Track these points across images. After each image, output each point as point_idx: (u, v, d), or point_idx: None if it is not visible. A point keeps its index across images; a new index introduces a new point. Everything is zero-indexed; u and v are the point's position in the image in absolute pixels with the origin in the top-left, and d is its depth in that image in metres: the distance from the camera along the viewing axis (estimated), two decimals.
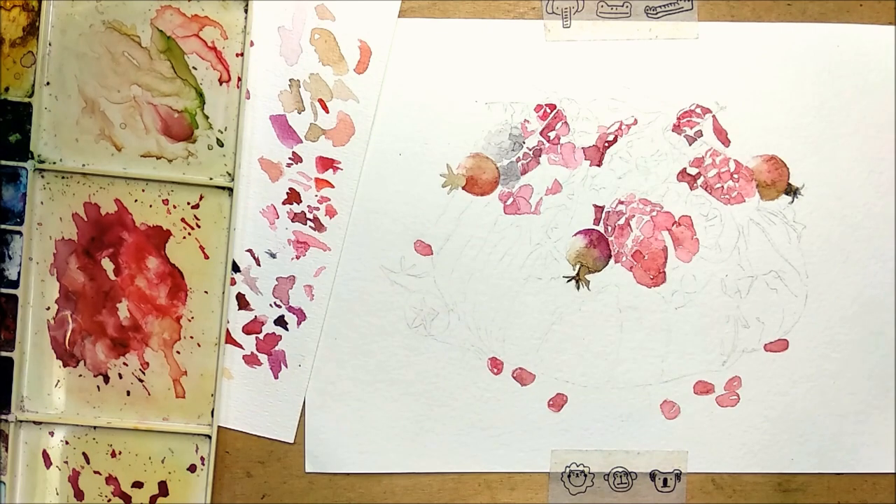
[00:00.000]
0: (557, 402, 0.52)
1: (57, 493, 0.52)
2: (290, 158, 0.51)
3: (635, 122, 0.51)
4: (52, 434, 0.52)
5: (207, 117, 0.50)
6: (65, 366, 0.52)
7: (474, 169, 0.51)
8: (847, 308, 0.52)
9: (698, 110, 0.51)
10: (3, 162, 0.50)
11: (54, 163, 0.51)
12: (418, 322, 0.52)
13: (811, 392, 0.53)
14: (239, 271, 0.51)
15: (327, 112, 0.51)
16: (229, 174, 0.51)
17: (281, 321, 0.52)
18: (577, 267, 0.52)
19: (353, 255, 0.52)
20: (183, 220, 0.51)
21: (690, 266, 0.52)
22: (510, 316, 0.52)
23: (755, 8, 0.51)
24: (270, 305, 0.52)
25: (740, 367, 0.52)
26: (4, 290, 0.51)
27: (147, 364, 0.51)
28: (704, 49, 0.51)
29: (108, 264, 0.51)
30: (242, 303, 0.52)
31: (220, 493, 0.52)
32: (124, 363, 0.51)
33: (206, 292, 0.51)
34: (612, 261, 0.52)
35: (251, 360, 0.52)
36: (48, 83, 0.50)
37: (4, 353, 0.51)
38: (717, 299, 0.52)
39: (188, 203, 0.51)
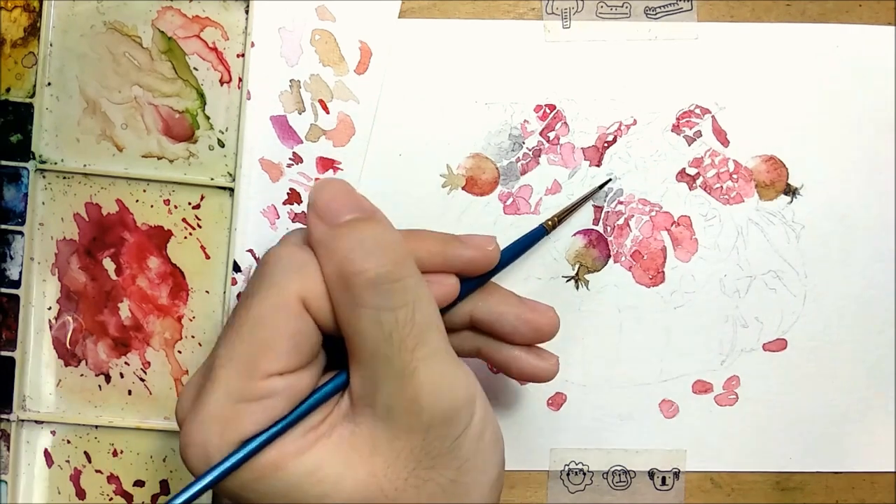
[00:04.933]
0: (556, 401, 0.53)
1: (58, 493, 0.52)
2: (290, 159, 0.51)
3: (634, 122, 0.51)
4: (53, 433, 0.52)
5: (208, 118, 0.51)
6: (66, 365, 0.52)
7: (474, 169, 0.51)
8: (846, 308, 0.52)
9: (697, 111, 0.51)
10: (5, 162, 0.50)
11: (56, 163, 0.51)
12: None
13: (810, 391, 0.53)
14: (240, 271, 0.52)
15: (328, 113, 0.51)
16: (230, 174, 0.51)
17: None
18: (577, 267, 0.52)
19: None
20: (184, 220, 0.51)
21: (689, 266, 0.52)
22: None
23: (755, 8, 0.51)
24: None
25: (739, 366, 0.52)
26: (6, 290, 0.51)
27: (148, 364, 0.52)
28: (704, 50, 0.51)
29: (109, 264, 0.51)
30: None
31: None
32: (126, 363, 0.52)
33: (207, 292, 0.51)
34: (611, 261, 0.52)
35: None
36: (49, 84, 0.50)
37: (6, 353, 0.51)
38: (716, 299, 0.52)
39: (189, 203, 0.51)
